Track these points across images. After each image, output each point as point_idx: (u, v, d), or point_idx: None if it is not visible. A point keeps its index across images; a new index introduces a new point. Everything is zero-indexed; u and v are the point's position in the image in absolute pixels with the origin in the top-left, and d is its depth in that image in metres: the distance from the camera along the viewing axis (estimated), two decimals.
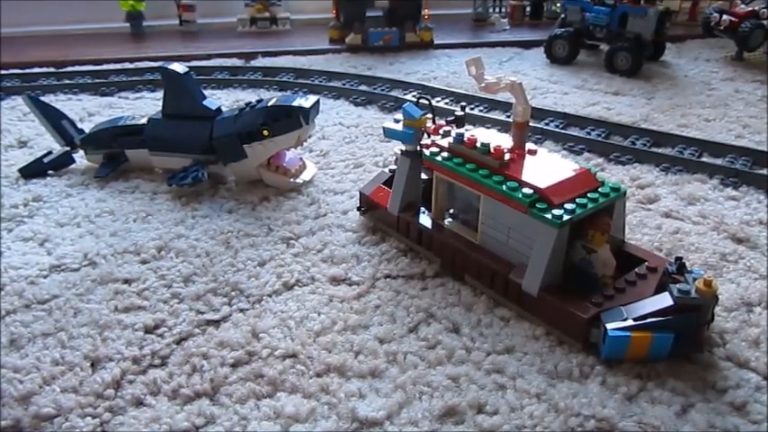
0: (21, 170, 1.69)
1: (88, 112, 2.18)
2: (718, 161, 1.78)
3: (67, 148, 1.73)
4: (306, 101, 1.56)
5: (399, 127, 1.32)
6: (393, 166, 1.44)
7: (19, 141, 1.92)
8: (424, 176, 1.36)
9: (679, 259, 1.10)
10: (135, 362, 1.04)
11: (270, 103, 1.56)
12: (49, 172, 1.70)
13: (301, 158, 1.70)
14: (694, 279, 1.03)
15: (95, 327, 1.11)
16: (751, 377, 1.01)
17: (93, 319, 1.13)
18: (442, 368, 1.02)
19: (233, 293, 1.21)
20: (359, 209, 1.47)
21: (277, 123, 1.53)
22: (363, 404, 0.95)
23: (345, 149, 1.87)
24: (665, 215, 1.50)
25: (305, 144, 1.67)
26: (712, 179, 1.67)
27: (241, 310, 1.16)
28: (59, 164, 1.72)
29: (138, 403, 0.96)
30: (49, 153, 1.72)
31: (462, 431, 0.91)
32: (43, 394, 0.97)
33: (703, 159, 1.79)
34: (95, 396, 0.97)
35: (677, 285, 1.02)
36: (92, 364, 1.03)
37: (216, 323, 1.13)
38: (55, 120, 1.73)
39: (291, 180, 1.62)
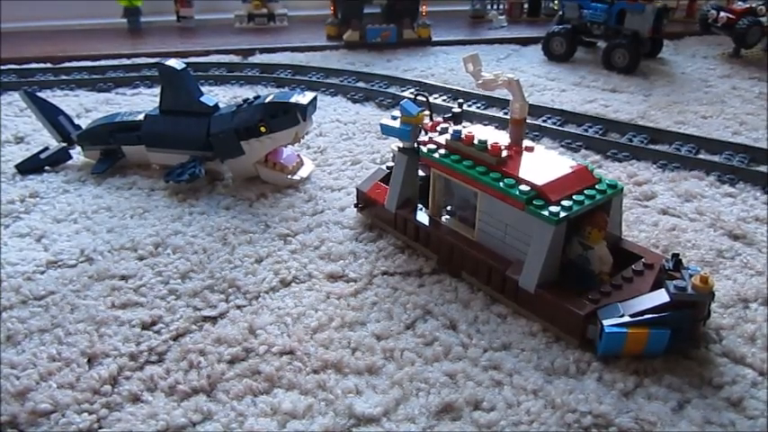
0: (17, 166, 1.68)
1: (85, 107, 2.18)
2: (716, 158, 1.77)
3: (64, 144, 1.72)
4: (303, 97, 1.55)
5: (397, 124, 1.31)
6: (390, 163, 1.43)
7: (15, 137, 1.91)
8: (421, 173, 1.36)
9: (676, 256, 1.10)
10: (132, 358, 1.03)
11: (267, 100, 1.55)
12: (46, 168, 1.70)
13: (299, 155, 1.69)
14: (691, 275, 1.03)
15: (92, 323, 1.10)
16: (747, 373, 1.01)
17: (90, 316, 1.12)
18: (438, 365, 1.02)
19: (230, 290, 1.20)
20: (356, 206, 1.46)
21: (274, 120, 1.52)
22: (360, 400, 0.95)
23: (343, 146, 1.87)
24: (662, 212, 1.50)
25: (302, 141, 1.67)
26: (709, 176, 1.67)
27: (238, 307, 1.16)
28: (56, 160, 1.71)
29: (135, 399, 0.96)
30: (46, 149, 1.72)
31: (459, 428, 0.91)
32: (39, 390, 0.96)
33: (700, 156, 1.78)
34: (92, 392, 0.96)
35: (674, 282, 1.03)
36: (88, 361, 1.03)
37: (213, 320, 1.13)
38: (52, 116, 1.72)
39: (289, 177, 1.61)
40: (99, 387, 0.97)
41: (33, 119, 1.81)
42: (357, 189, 1.47)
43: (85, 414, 0.92)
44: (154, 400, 0.95)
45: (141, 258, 1.30)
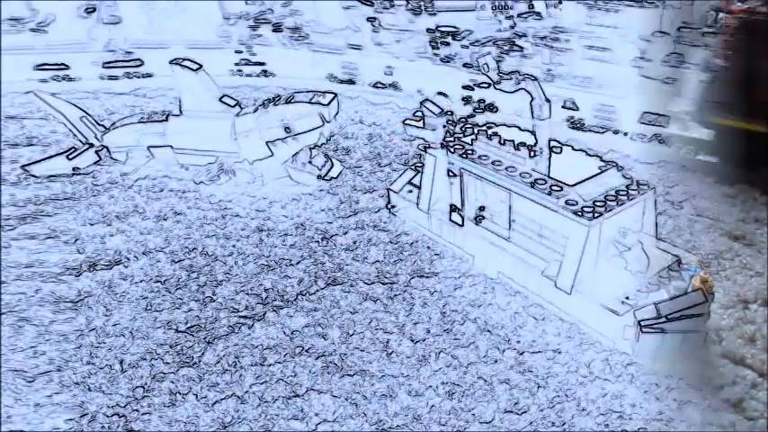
0: (39, 167, 1.58)
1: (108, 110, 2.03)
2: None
3: (91, 146, 1.63)
4: (324, 98, 1.49)
5: (420, 124, 1.25)
6: (419, 164, 1.35)
7: (30, 138, 1.79)
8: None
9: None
10: (165, 361, 1.00)
11: (292, 101, 1.48)
12: (76, 169, 1.59)
13: (327, 156, 1.62)
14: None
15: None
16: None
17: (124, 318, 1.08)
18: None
19: (266, 293, 1.16)
20: (388, 206, 1.40)
21: (299, 121, 1.46)
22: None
23: (371, 147, 1.78)
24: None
25: (329, 141, 1.59)
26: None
27: (274, 309, 1.11)
28: (84, 161, 1.59)
29: (169, 402, 0.93)
30: (73, 150, 1.63)
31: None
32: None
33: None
34: (123, 395, 0.93)
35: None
36: (121, 363, 0.99)
37: (249, 322, 1.08)
38: (76, 117, 1.62)
39: (318, 177, 1.55)
40: (132, 390, 0.94)
41: (57, 121, 1.67)
42: (388, 189, 1.40)
43: (115, 417, 0.90)
44: (187, 403, 0.92)
45: (175, 261, 1.24)
